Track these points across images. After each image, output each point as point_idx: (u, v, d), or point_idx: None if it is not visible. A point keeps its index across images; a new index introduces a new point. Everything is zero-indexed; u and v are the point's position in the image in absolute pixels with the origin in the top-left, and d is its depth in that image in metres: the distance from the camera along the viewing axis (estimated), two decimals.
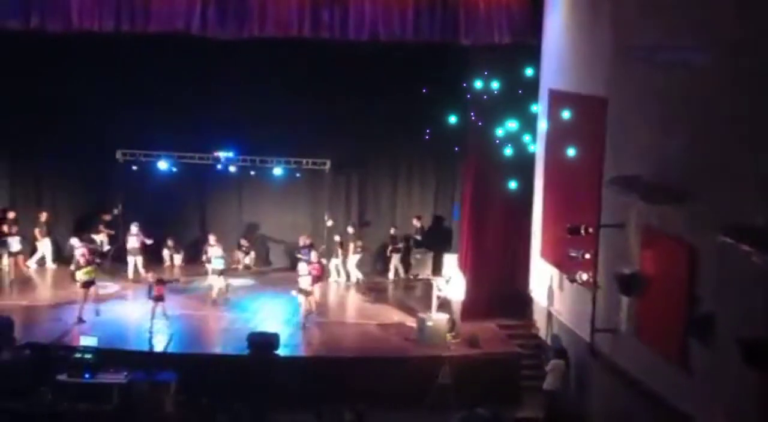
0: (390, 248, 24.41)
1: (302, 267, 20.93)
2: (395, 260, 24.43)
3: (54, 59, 22.91)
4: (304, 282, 20.47)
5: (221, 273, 21.77)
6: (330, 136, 23.91)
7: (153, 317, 19.71)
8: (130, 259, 23.33)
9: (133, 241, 23.34)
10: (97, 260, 21.78)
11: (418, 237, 24.37)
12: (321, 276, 21.77)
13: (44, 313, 20.63)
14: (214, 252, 22.10)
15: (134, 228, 23.40)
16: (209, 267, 22.05)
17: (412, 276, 24.04)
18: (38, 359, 17.62)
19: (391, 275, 24.50)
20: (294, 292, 20.69)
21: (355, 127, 23.89)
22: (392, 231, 24.50)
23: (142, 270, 23.15)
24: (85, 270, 20.47)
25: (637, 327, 15.50)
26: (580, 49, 18.77)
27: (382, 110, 23.61)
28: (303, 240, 23.29)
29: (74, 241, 22.76)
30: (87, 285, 20.33)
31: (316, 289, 21.16)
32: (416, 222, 24.47)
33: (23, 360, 17.57)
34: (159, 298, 19.82)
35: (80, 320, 19.92)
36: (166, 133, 23.65)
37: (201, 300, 21.76)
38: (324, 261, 22.81)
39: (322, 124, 23.64)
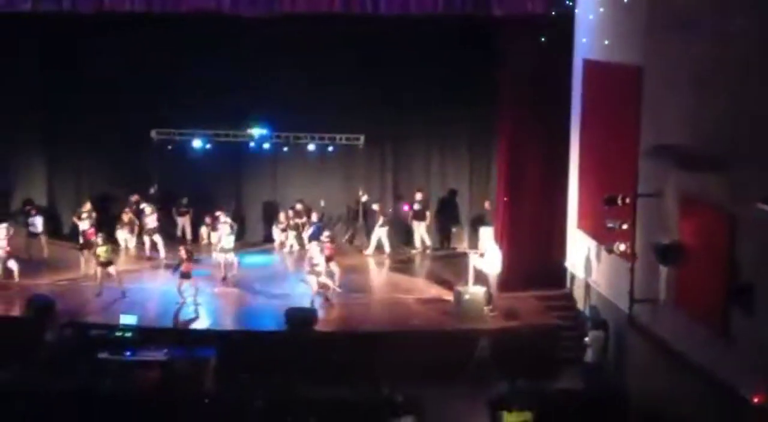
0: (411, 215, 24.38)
1: (313, 246, 20.81)
2: (421, 230, 24.34)
3: (86, 41, 23.04)
4: (317, 259, 20.23)
5: (229, 251, 21.72)
6: (363, 110, 23.85)
7: (182, 293, 19.84)
8: (147, 239, 23.48)
9: (151, 221, 23.47)
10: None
11: (417, 209, 24.27)
12: (333, 254, 21.28)
13: (81, 292, 20.80)
14: (224, 230, 22.10)
15: (149, 208, 23.50)
16: (220, 244, 21.99)
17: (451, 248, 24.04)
18: (79, 338, 17.84)
19: (418, 247, 24.44)
20: (305, 273, 20.55)
21: (389, 102, 23.79)
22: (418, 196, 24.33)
23: (161, 249, 23.29)
24: (104, 248, 20.60)
25: (676, 298, 15.37)
26: (614, 18, 18.54)
27: (415, 84, 23.54)
28: (315, 217, 23.36)
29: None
30: (104, 264, 20.47)
31: (334, 266, 20.97)
32: (419, 196, 24.32)
33: (65, 338, 17.78)
34: (187, 275, 19.91)
35: (98, 295, 20.20)
36: (200, 111, 23.71)
37: (238, 277, 21.83)
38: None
39: (356, 99, 23.56)
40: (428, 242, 24.46)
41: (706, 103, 14.35)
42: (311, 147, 23.90)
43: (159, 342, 17.66)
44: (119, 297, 20.27)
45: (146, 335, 17.93)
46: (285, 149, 24.08)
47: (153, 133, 23.79)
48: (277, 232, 24.60)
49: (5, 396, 14.50)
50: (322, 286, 20.21)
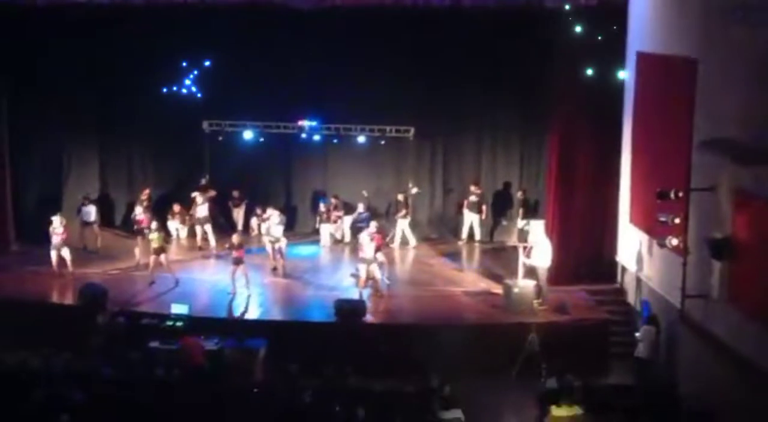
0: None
1: (363, 236, 20.75)
2: (474, 223, 24.27)
3: (139, 32, 23.17)
4: (366, 251, 20.20)
5: (278, 240, 21.80)
6: (414, 103, 23.81)
7: (234, 280, 19.95)
8: (198, 229, 23.69)
9: (201, 211, 23.63)
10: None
11: (474, 201, 24.16)
12: (382, 244, 21.31)
13: (133, 281, 21.04)
14: (273, 219, 22.17)
15: (200, 199, 23.67)
16: (270, 233, 22.07)
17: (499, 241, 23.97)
18: (131, 326, 18.03)
19: (464, 239, 24.37)
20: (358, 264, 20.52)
21: (439, 94, 23.72)
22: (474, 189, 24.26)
23: (212, 239, 23.45)
24: (156, 235, 20.81)
25: (729, 293, 15.19)
26: (668, 10, 18.32)
27: (466, 77, 23.43)
28: (362, 208, 23.36)
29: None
30: (157, 251, 20.66)
31: (381, 257, 20.87)
32: (475, 189, 24.21)
33: (117, 327, 17.98)
34: (238, 261, 20.02)
35: (151, 283, 20.47)
36: (251, 103, 23.82)
37: (288, 268, 21.92)
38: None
39: (406, 91, 23.54)
40: (478, 236, 24.38)
41: (764, 95, 14.12)
42: (361, 139, 23.91)
43: (209, 331, 17.80)
44: (171, 286, 20.48)
45: (197, 324, 18.07)
46: (335, 141, 24.12)
47: (204, 125, 23.95)
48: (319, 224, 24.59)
49: (58, 383, 14.67)
50: (371, 277, 20.22)
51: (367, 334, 18.59)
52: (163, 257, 20.80)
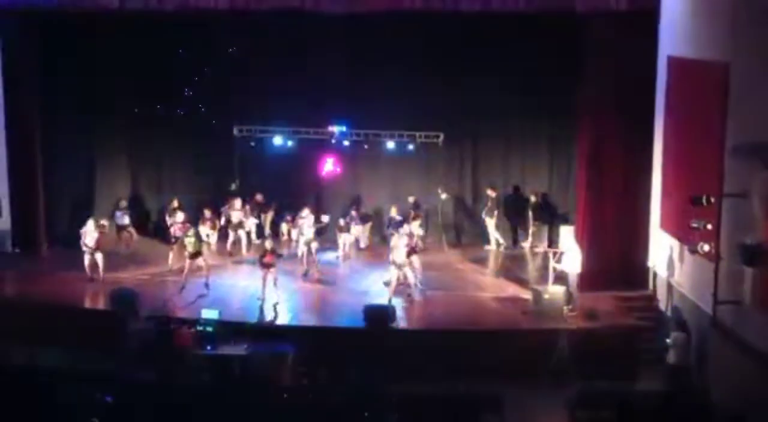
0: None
1: (395, 239, 20.64)
2: (491, 228, 24.22)
3: (170, 38, 23.43)
4: (398, 255, 20.12)
5: (310, 243, 21.85)
6: (443, 108, 23.80)
7: (264, 286, 19.97)
8: (231, 234, 23.81)
9: (236, 216, 23.74)
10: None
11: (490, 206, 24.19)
12: (414, 248, 21.08)
13: (165, 286, 21.16)
14: (308, 221, 22.21)
15: (237, 203, 23.76)
16: (302, 237, 22.11)
17: (530, 248, 23.87)
18: (161, 331, 18.12)
19: (492, 245, 24.31)
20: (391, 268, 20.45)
21: (469, 100, 23.70)
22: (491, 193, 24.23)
23: (244, 245, 23.56)
24: (192, 240, 20.86)
25: (761, 300, 15.04)
26: (699, 14, 18.21)
27: (495, 82, 23.37)
28: (394, 212, 23.35)
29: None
30: (193, 256, 20.73)
31: (415, 260, 20.80)
32: (491, 193, 24.17)
33: (147, 332, 18.08)
34: (268, 265, 19.99)
35: (182, 288, 20.47)
36: (281, 108, 23.92)
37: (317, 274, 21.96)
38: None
39: (435, 96, 23.53)
40: (500, 240, 24.29)
41: None
42: (391, 145, 23.92)
43: (239, 336, 17.86)
44: (203, 292, 20.50)
45: (227, 329, 18.13)
46: (365, 147, 24.13)
47: (235, 130, 24.05)
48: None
49: (87, 385, 14.76)
50: (403, 281, 20.19)
51: (395, 340, 18.55)
52: (201, 260, 20.84)
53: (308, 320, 19.76)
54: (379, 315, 18.78)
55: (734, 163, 15.92)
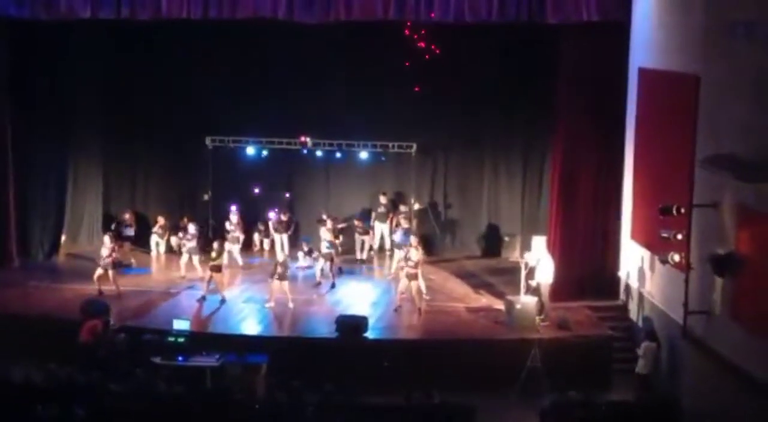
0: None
1: (408, 250, 20.56)
2: (386, 233, 24.21)
3: (142, 48, 23.38)
4: (412, 266, 20.14)
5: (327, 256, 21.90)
6: (416, 119, 23.86)
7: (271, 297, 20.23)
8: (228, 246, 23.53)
9: (233, 229, 23.64)
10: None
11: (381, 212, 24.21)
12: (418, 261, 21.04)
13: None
14: (324, 236, 22.19)
15: (234, 217, 23.68)
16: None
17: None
18: (133, 342, 18.01)
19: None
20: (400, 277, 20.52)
21: (442, 110, 23.82)
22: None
23: (239, 259, 23.47)
24: (216, 255, 20.76)
25: (731, 309, 15.17)
26: (670, 26, 18.38)
27: (468, 93, 23.49)
28: (405, 223, 23.31)
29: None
30: (215, 269, 20.62)
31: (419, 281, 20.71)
32: (382, 199, 24.18)
33: (119, 343, 17.98)
34: (216, 269, 20.24)
35: (202, 298, 20.61)
36: (254, 118, 23.93)
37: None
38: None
39: (408, 107, 23.61)
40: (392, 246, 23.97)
41: (766, 112, 14.14)
42: (363, 155, 23.94)
43: (211, 347, 17.78)
44: (188, 302, 20.62)
45: (199, 340, 18.04)
46: (338, 156, 24.13)
47: (207, 141, 23.99)
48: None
49: (62, 398, 14.65)
50: (413, 292, 20.20)
51: (368, 350, 18.54)
52: (225, 274, 20.93)
53: (281, 330, 19.70)
54: (353, 326, 18.76)
55: (704, 174, 16.04)
